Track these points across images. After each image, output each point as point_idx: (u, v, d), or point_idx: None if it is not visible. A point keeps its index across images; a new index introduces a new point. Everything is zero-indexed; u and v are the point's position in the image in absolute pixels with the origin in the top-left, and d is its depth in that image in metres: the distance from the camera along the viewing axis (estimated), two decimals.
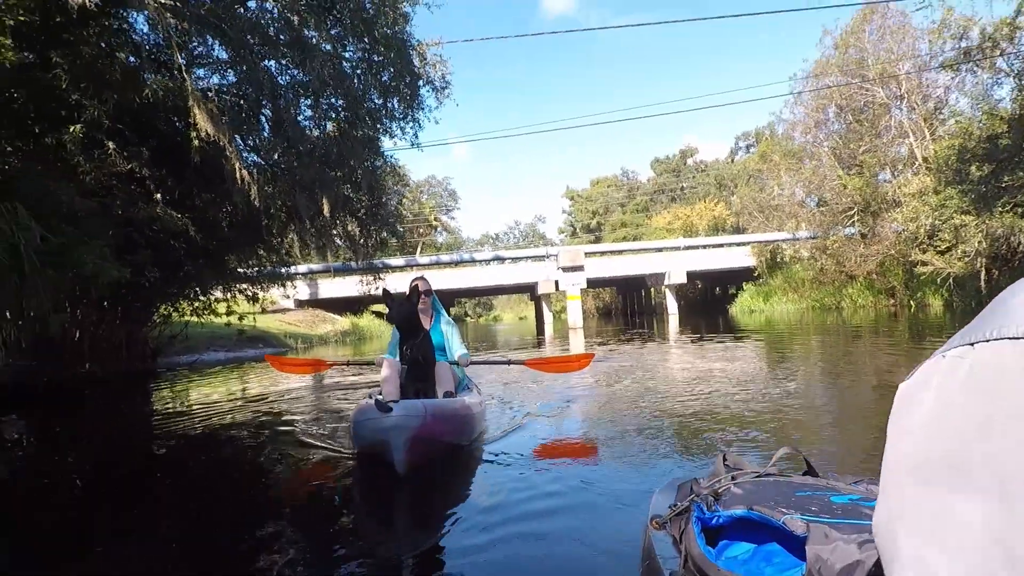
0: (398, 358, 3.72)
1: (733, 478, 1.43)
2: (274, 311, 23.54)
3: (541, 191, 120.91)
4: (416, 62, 10.40)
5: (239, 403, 6.61)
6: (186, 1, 7.87)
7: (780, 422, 3.88)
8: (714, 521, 1.28)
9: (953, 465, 0.45)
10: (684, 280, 28.33)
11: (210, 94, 8.43)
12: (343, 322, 28.51)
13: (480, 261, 28.55)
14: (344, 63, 9.94)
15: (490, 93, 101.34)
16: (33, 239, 6.46)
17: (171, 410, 6.61)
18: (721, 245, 29.05)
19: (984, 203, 13.19)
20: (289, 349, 19.39)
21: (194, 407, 6.49)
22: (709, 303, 33.74)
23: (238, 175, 8.33)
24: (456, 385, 3.88)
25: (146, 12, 8.22)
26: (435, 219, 52.26)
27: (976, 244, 13.64)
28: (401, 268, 24.83)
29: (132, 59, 8.80)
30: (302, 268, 21.30)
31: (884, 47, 18.36)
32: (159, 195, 9.03)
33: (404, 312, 3.56)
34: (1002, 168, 13.15)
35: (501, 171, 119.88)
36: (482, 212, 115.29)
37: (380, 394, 3.65)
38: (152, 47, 9.38)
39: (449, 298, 38.72)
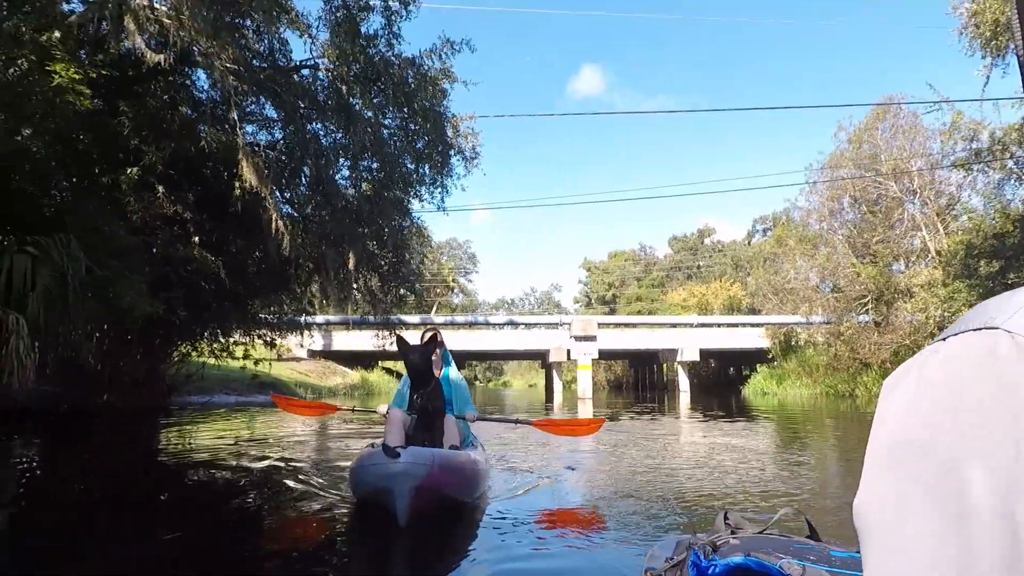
0: (405, 408, 3.64)
1: (733, 533, 1.42)
2: (287, 359, 23.81)
3: (559, 260, 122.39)
4: (449, 133, 11.09)
5: (244, 445, 6.68)
6: (249, 66, 8.64)
7: (787, 497, 3.85)
8: (711, 571, 1.27)
9: (919, 452, 0.47)
10: (697, 358, 28.18)
11: (257, 148, 9.08)
12: (353, 375, 28.62)
13: (494, 325, 28.80)
14: (383, 130, 10.67)
15: (516, 164, 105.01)
16: (79, 270, 6.89)
17: (178, 447, 6.68)
18: (735, 325, 29.07)
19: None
20: (298, 394, 19.52)
21: (201, 446, 6.59)
22: (722, 383, 33.31)
23: (274, 225, 8.83)
24: (461, 440, 3.76)
25: (210, 71, 9.05)
26: (453, 280, 53.03)
27: None
28: (416, 326, 25.12)
29: (190, 112, 9.55)
30: (319, 319, 21.67)
31: (897, 144, 19.09)
32: (197, 238, 9.56)
33: (421, 358, 3.52)
34: (1009, 266, 13.37)
35: (520, 238, 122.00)
36: (499, 276, 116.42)
37: (383, 443, 3.52)
38: (209, 102, 10.16)
39: (460, 360, 38.63)
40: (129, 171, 8.57)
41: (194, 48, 8.39)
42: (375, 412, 4.25)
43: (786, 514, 1.48)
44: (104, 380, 9.70)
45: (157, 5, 8.18)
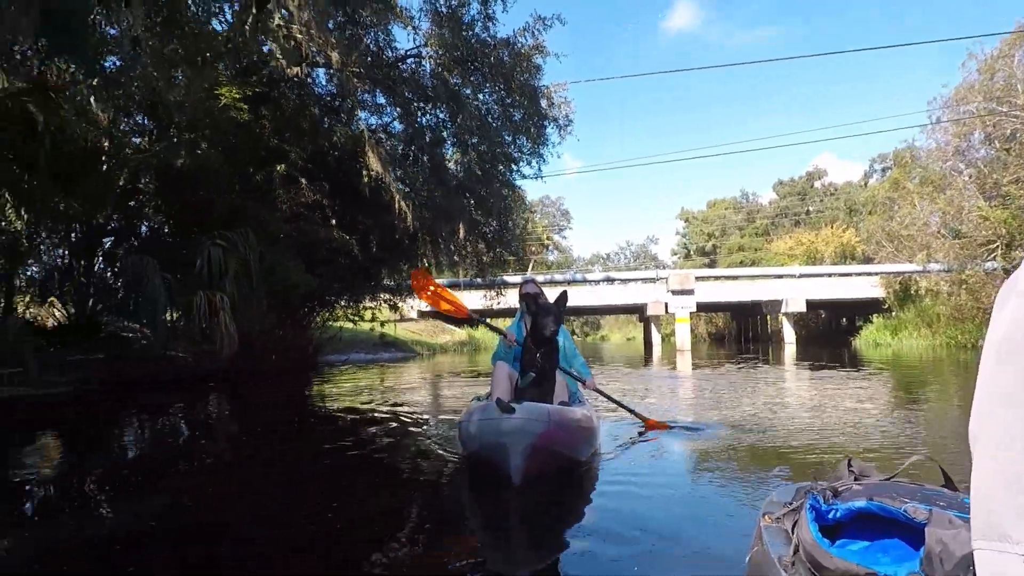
0: (511, 362, 3.60)
1: (856, 480, 1.38)
2: (402, 320, 26.14)
3: (654, 211, 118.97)
4: (544, 104, 11.75)
5: (375, 396, 7.72)
6: (366, 64, 9.77)
7: (912, 447, 3.66)
8: (831, 515, 1.23)
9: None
10: (803, 309, 27.30)
11: (379, 138, 10.29)
12: (460, 333, 30.66)
13: (591, 282, 29.42)
14: (482, 106, 11.55)
15: (609, 117, 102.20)
16: (257, 257, 8.49)
17: (326, 402, 7.83)
18: (842, 275, 27.66)
19: None
20: (415, 355, 21.53)
21: (341, 402, 7.63)
22: (832, 334, 31.99)
23: (397, 205, 10.09)
24: (569, 397, 3.65)
25: (331, 70, 10.26)
26: (547, 238, 53.83)
27: None
28: (517, 285, 26.38)
29: (319, 111, 10.92)
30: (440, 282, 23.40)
31: None
32: (334, 220, 11.07)
33: (553, 319, 3.34)
34: None
35: (614, 190, 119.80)
36: (593, 230, 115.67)
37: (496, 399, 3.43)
38: (327, 96, 11.42)
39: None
40: (279, 167, 10.11)
41: (317, 54, 9.62)
42: (503, 335, 3.95)
43: (917, 461, 1.40)
44: (268, 346, 11.63)
45: (290, 23, 9.44)
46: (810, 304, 27.75)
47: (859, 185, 45.65)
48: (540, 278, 31.19)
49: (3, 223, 8.67)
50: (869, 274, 25.18)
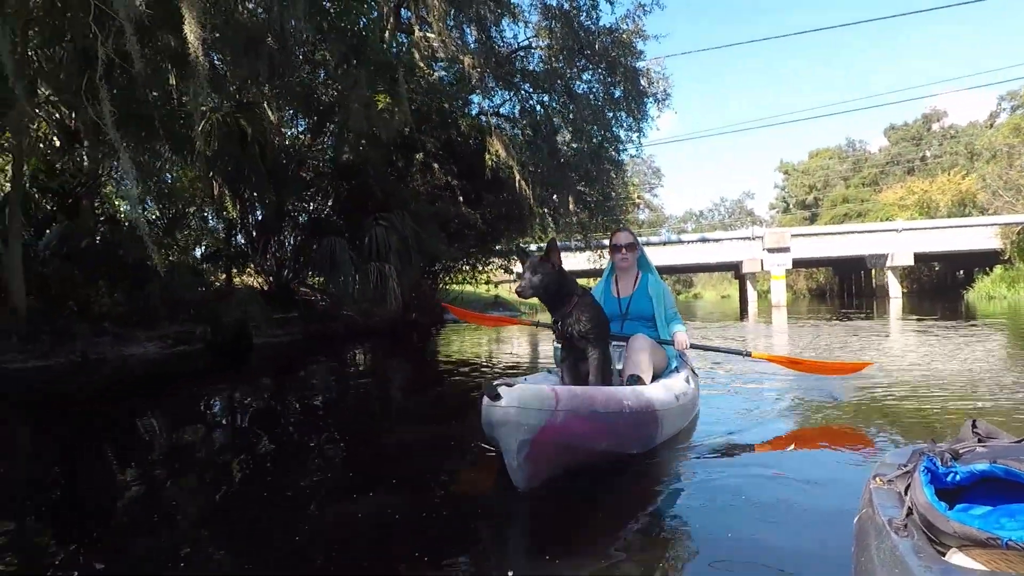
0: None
1: (981, 442, 1.26)
2: (503, 281, 28.35)
3: (751, 165, 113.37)
4: (643, 83, 12.91)
5: (488, 346, 9.12)
6: (487, 60, 11.42)
7: None
8: (949, 478, 1.13)
9: None
10: (910, 262, 26.57)
11: (501, 124, 11.98)
12: None
13: (686, 242, 29.98)
14: (583, 85, 12.93)
15: (705, 73, 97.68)
16: (412, 234, 10.59)
17: (445, 353, 9.45)
18: (951, 228, 26.43)
19: None
20: (520, 313, 23.60)
21: (463, 350, 9.01)
22: (944, 287, 30.66)
23: (518, 184, 11.83)
24: (660, 368, 2.99)
25: (457, 66, 11.97)
26: (638, 196, 53.91)
27: None
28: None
29: (447, 105, 12.76)
30: (539, 246, 25.17)
31: None
32: (461, 198, 13.02)
33: (541, 275, 2.62)
34: None
35: (708, 145, 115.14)
36: (685, 187, 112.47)
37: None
38: (448, 86, 13.13)
39: None
40: (417, 156, 12.13)
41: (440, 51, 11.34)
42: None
43: None
44: (412, 305, 13.96)
45: (428, 33, 11.26)
46: (919, 257, 26.94)
47: (984, 126, 41.86)
48: (641, 239, 32.05)
49: (224, 212, 11.34)
50: (974, 226, 24.08)
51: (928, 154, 45.61)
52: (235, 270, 12.22)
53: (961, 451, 1.20)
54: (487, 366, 6.64)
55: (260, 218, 11.95)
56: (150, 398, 5.27)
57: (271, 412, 4.49)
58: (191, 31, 4.55)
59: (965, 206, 32.30)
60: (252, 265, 12.23)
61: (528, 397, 1.94)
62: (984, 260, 24.75)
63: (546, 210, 13.99)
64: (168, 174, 11.20)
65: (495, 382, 2.03)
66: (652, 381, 2.77)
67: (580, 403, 2.07)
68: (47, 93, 8.55)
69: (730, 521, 1.89)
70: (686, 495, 2.20)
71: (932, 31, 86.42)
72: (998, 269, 23.24)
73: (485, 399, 2.02)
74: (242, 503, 2.37)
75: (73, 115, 8.99)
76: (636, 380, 2.69)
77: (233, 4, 7.69)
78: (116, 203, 11.61)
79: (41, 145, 10.09)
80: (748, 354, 3.62)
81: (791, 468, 2.38)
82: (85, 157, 9.51)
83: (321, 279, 11.63)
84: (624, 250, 3.19)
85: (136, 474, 2.86)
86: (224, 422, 4.30)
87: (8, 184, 9.08)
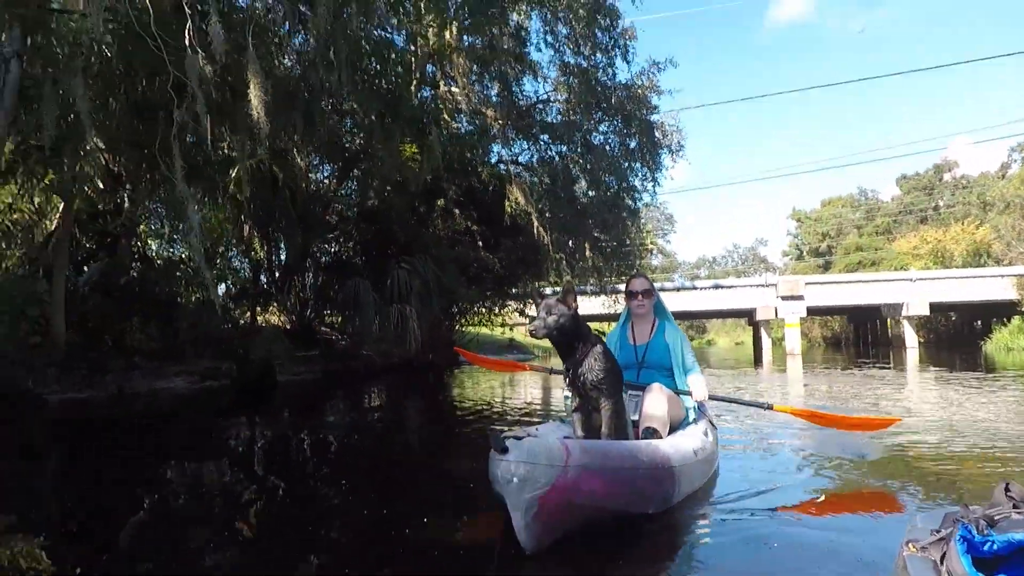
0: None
1: (1016, 507, 1.22)
2: (516, 324, 28.63)
3: (763, 212, 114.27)
4: (657, 135, 13.42)
5: (502, 389, 9.23)
6: (509, 113, 11.98)
7: None
8: (986, 547, 1.10)
9: None
10: (926, 312, 26.42)
11: (520, 172, 12.47)
12: None
13: (700, 289, 30.13)
14: (601, 136, 13.46)
15: (715, 123, 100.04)
16: (433, 277, 10.92)
17: (463, 386, 9.93)
18: (963, 277, 26.39)
19: None
20: (534, 356, 23.68)
21: (475, 392, 9.43)
22: (960, 337, 30.35)
23: (536, 230, 12.21)
24: (677, 420, 2.85)
25: (478, 120, 12.51)
26: (651, 242, 54.35)
27: None
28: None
29: (469, 154, 13.30)
30: (550, 291, 25.48)
31: None
32: (480, 243, 13.41)
33: (555, 317, 2.45)
34: None
35: (720, 193, 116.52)
36: (698, 232, 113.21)
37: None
38: (469, 136, 13.68)
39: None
40: (440, 202, 12.59)
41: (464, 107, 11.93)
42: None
43: None
44: (429, 345, 14.19)
45: (452, 88, 11.88)
46: (934, 307, 26.80)
47: (996, 176, 42.17)
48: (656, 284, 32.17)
49: (252, 252, 11.79)
50: (991, 276, 24.07)
51: (941, 204, 45.87)
52: (259, 308, 12.59)
53: (996, 517, 1.17)
54: (499, 411, 6.75)
55: (285, 259, 12.39)
56: (182, 432, 5.52)
57: (292, 450, 4.66)
58: (255, 96, 4.99)
59: (980, 256, 32.26)
60: (275, 304, 12.60)
61: (537, 451, 1.81)
62: (1001, 311, 24.59)
63: (562, 255, 14.33)
64: (197, 214, 11.71)
65: (503, 433, 1.91)
66: (669, 434, 2.66)
67: (592, 458, 1.93)
68: (98, 142, 9.12)
69: None
70: (703, 559, 2.07)
71: (945, 82, 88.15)
72: (1016, 320, 23.08)
73: (492, 452, 1.87)
74: (252, 532, 2.54)
75: (119, 160, 9.55)
76: (652, 433, 2.59)
77: (272, 61, 8.29)
78: (149, 242, 12.13)
79: (86, 188, 10.69)
80: (770, 407, 3.39)
81: (815, 533, 2.26)
82: (126, 199, 10.03)
83: (341, 319, 11.94)
84: (641, 296, 3.08)
85: (156, 499, 3.09)
86: (249, 456, 4.48)
87: (53, 223, 9.60)
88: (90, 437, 5.17)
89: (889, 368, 14.58)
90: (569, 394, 2.62)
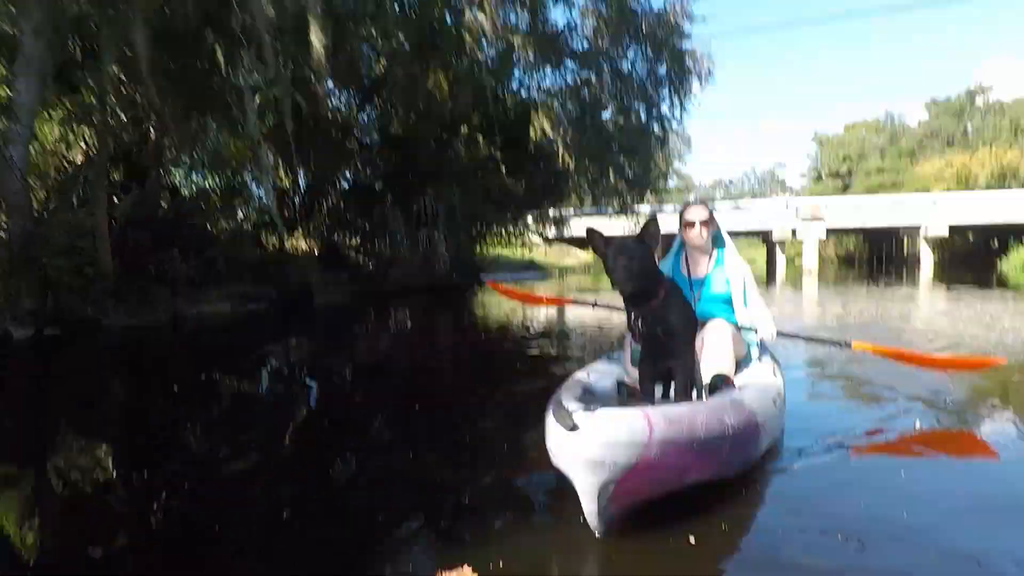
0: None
1: None
2: (523, 244, 28.84)
3: (783, 134, 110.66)
4: (688, 63, 12.98)
5: (520, 315, 8.81)
6: (539, 42, 11.58)
7: None
8: None
9: None
10: (945, 233, 26.24)
11: (547, 101, 12.17)
12: (584, 256, 32.77)
13: (718, 210, 29.74)
14: (627, 62, 13.03)
15: (744, 45, 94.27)
16: (458, 203, 11.04)
17: (485, 312, 10.11)
18: (988, 200, 25.93)
19: None
20: (550, 275, 24.03)
21: (500, 312, 9.56)
22: (977, 257, 30.17)
23: (561, 157, 12.14)
24: (739, 359, 2.58)
25: (505, 47, 12.13)
26: (666, 164, 53.20)
27: None
28: (649, 215, 27.44)
29: (495, 83, 12.89)
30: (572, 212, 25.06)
31: None
32: (504, 169, 13.35)
33: (628, 255, 2.04)
34: None
35: (740, 113, 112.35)
36: (715, 155, 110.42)
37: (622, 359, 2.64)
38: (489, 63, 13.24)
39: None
40: (463, 130, 12.44)
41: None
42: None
43: None
44: (453, 267, 14.45)
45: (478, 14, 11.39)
46: (954, 229, 26.55)
47: None
48: (670, 207, 31.65)
49: (279, 179, 11.89)
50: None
51: (970, 127, 44.11)
52: (286, 235, 12.85)
53: None
54: (529, 334, 6.77)
55: (308, 185, 12.48)
56: (240, 357, 5.75)
57: (339, 380, 4.73)
58: (316, 39, 4.98)
59: (1006, 180, 31.48)
60: (301, 230, 12.84)
61: (615, 427, 1.51)
62: (1021, 231, 24.38)
63: (584, 181, 14.28)
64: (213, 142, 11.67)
65: (564, 400, 1.72)
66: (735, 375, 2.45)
67: (679, 429, 1.64)
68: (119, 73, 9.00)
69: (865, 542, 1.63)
70: (793, 514, 1.85)
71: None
72: None
73: (552, 422, 1.59)
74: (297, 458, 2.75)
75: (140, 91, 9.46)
76: (722, 380, 2.32)
77: None
78: (175, 174, 12.22)
79: (109, 119, 10.70)
80: (848, 344, 2.94)
81: (898, 475, 2.14)
82: (152, 131, 10.04)
83: (369, 244, 12.19)
84: (699, 226, 2.71)
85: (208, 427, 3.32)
86: (301, 386, 4.60)
87: (79, 155, 9.71)
88: (157, 362, 5.58)
89: (906, 285, 14.76)
90: (636, 346, 2.28)
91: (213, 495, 2.23)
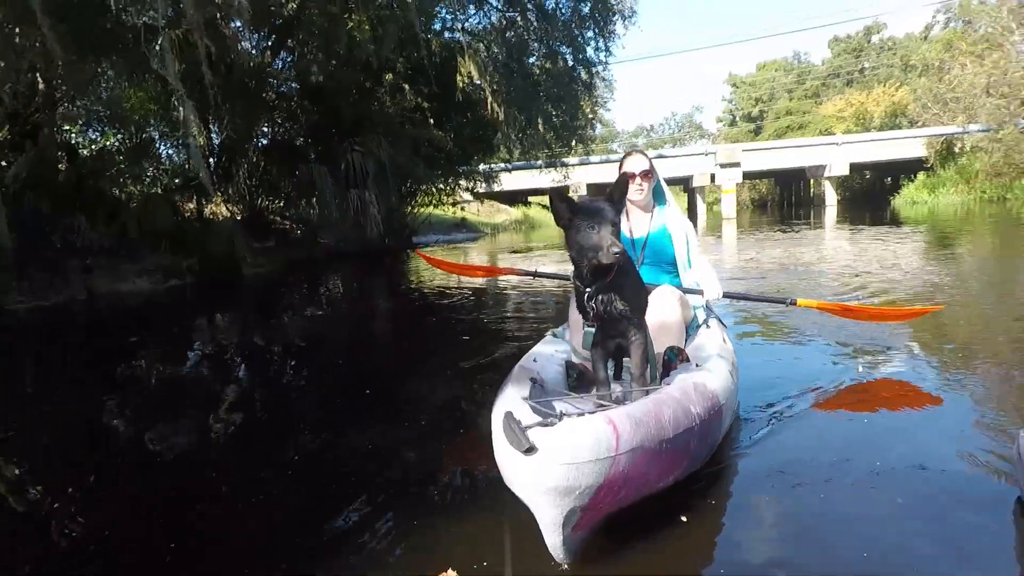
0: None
1: None
2: (455, 203, 28.37)
3: (700, 78, 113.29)
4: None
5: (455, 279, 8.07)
6: None
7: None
8: None
9: None
10: (846, 172, 28.26)
11: (473, 44, 11.81)
12: (515, 212, 32.66)
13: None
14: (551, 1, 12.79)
15: None
16: (389, 159, 10.68)
17: (419, 277, 10.15)
18: (884, 140, 28.09)
19: None
20: (482, 234, 23.92)
21: (433, 277, 9.13)
22: (873, 194, 32.84)
23: (489, 105, 11.91)
24: (687, 322, 2.42)
25: None
26: (591, 111, 53.42)
27: None
28: (575, 166, 27.47)
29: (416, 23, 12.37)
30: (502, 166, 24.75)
31: None
32: (432, 120, 12.98)
33: (598, 218, 1.70)
34: None
35: (660, 59, 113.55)
36: (636, 101, 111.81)
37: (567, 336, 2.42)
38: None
39: (604, 190, 40.98)
40: (387, 76, 11.91)
41: None
42: (567, 279, 2.37)
43: None
44: (388, 228, 14.07)
45: None
46: (854, 167, 28.61)
47: (919, 38, 43.13)
48: (597, 158, 31.90)
49: (191, 137, 10.97)
50: (906, 139, 25.81)
51: (867, 66, 46.92)
52: (204, 199, 12.00)
53: None
54: (467, 298, 6.31)
55: (222, 143, 11.60)
56: (158, 336, 5.35)
57: (269, 357, 4.45)
58: None
59: (896, 117, 33.99)
60: (220, 194, 12.03)
61: (579, 444, 1.28)
62: (910, 168, 26.59)
63: (512, 131, 14.11)
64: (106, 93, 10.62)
65: (513, 406, 1.46)
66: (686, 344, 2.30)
67: (646, 433, 1.41)
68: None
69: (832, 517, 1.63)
70: (763, 489, 1.79)
71: None
72: (921, 176, 25.11)
73: (504, 442, 1.33)
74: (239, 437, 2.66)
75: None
76: (676, 355, 2.12)
77: None
78: (70, 130, 11.05)
79: None
80: (793, 302, 2.90)
81: (856, 426, 2.22)
82: (40, 80, 8.96)
83: (296, 207, 11.63)
84: (639, 178, 2.47)
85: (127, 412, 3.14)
86: (231, 364, 4.35)
87: None
88: (64, 347, 5.07)
89: (814, 229, 15.93)
90: (591, 328, 1.89)
91: (143, 505, 2.02)
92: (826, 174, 28.41)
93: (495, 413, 1.49)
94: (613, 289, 1.81)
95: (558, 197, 1.75)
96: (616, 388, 1.97)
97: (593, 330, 1.88)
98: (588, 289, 1.81)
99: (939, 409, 2.34)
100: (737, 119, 54.71)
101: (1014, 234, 10.66)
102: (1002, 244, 9.29)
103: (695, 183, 29.31)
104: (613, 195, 1.78)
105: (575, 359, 2.30)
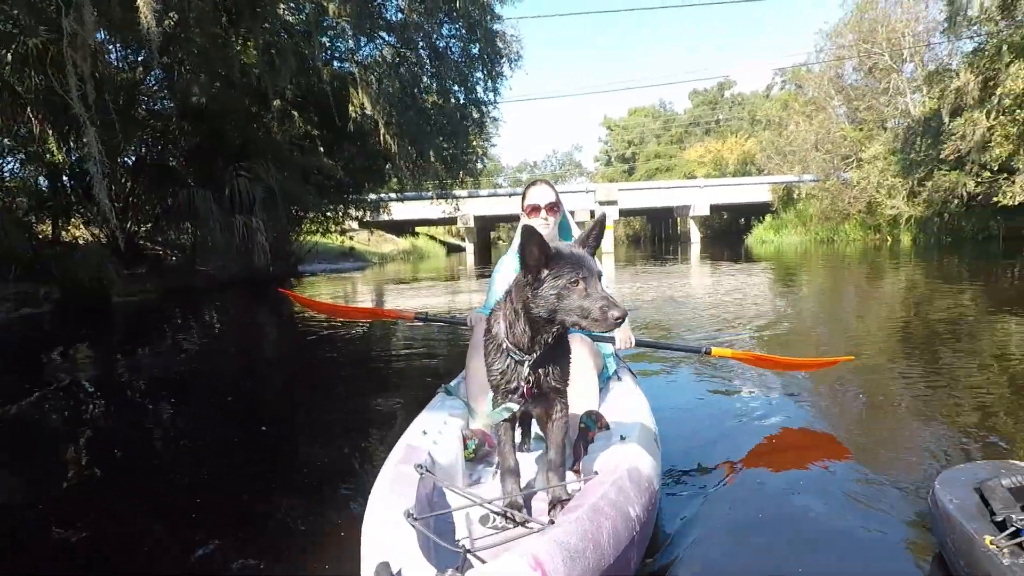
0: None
1: None
2: (343, 232, 27.64)
3: (579, 119, 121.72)
4: (499, 43, 13.64)
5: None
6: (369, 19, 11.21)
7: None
8: None
9: None
10: (707, 212, 31.52)
11: (365, 75, 11.84)
12: (403, 242, 32.49)
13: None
14: (442, 40, 13.28)
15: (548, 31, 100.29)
16: (277, 185, 10.41)
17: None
18: (739, 185, 31.95)
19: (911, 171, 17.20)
20: (370, 264, 23.54)
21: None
22: (731, 233, 36.85)
23: (381, 136, 12.01)
24: (599, 372, 2.22)
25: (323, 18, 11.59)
26: (476, 144, 54.75)
27: (902, 200, 17.81)
28: (464, 198, 27.75)
29: (306, 52, 12.25)
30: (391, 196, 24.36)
31: (896, 17, 20.57)
32: (322, 148, 12.80)
33: (574, 274, 1.33)
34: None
35: (542, 98, 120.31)
36: (519, 137, 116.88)
37: (464, 395, 2.12)
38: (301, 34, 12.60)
39: (490, 223, 42.13)
40: (276, 103, 11.63)
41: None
42: (463, 325, 2.57)
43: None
44: (273, 256, 13.47)
45: None
46: (713, 208, 32.00)
47: (763, 96, 49.57)
48: (485, 192, 32.72)
49: (48, 155, 9.92)
50: (755, 184, 29.68)
51: (721, 118, 52.92)
52: (61, 221, 10.84)
53: None
54: (351, 335, 5.81)
55: (79, 160, 10.59)
56: (17, 375, 4.65)
57: (133, 389, 4.20)
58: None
59: (747, 165, 38.62)
60: (80, 215, 10.94)
61: None
62: (759, 210, 30.29)
63: (404, 163, 14.26)
64: None
65: (386, 559, 1.07)
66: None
67: (584, 568, 1.11)
68: None
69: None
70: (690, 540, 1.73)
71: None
72: (768, 218, 28.69)
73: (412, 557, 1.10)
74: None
75: None
76: (594, 422, 1.85)
77: None
78: None
79: None
80: (708, 351, 2.78)
81: (778, 482, 2.15)
82: None
83: (173, 233, 10.88)
84: (544, 211, 2.28)
85: None
86: (123, 394, 4.15)
87: None
88: None
89: (687, 263, 17.69)
90: (512, 405, 1.50)
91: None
92: (691, 213, 31.48)
93: (365, 548, 1.18)
94: (553, 359, 1.47)
95: (534, 235, 1.28)
96: (533, 479, 1.61)
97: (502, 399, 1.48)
98: (528, 357, 1.42)
99: (853, 462, 2.35)
100: (612, 159, 58.93)
101: (840, 271, 12.66)
102: (833, 279, 10.98)
103: (576, 219, 31.04)
104: (588, 240, 1.42)
105: (474, 423, 1.98)
